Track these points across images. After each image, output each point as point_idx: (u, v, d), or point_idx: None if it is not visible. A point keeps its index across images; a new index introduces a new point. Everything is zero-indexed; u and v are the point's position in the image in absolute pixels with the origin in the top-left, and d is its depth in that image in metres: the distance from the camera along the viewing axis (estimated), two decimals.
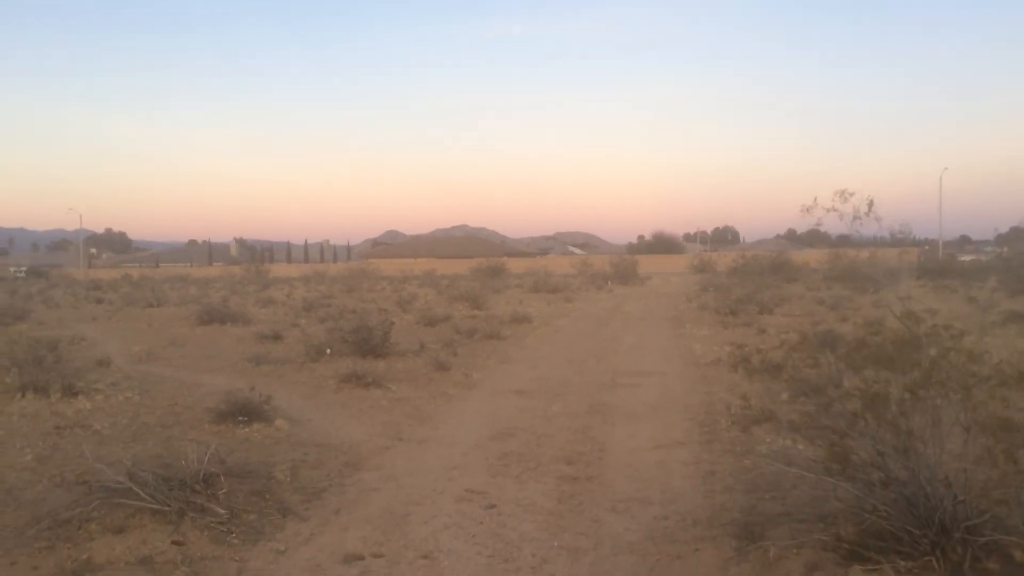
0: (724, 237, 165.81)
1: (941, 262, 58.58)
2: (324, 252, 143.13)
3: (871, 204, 7.44)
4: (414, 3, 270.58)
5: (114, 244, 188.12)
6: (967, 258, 75.17)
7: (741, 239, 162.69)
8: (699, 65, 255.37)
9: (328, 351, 14.43)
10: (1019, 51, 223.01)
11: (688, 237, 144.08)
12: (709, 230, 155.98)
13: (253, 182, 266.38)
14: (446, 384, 12.01)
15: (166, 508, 5.48)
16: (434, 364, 13.14)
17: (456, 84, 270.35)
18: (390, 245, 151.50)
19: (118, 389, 11.36)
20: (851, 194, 7.71)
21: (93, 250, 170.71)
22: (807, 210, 8.34)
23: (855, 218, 7.98)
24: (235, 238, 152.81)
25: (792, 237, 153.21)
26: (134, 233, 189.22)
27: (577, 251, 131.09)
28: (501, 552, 5.24)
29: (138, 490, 5.49)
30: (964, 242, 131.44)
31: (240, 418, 8.84)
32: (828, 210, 7.82)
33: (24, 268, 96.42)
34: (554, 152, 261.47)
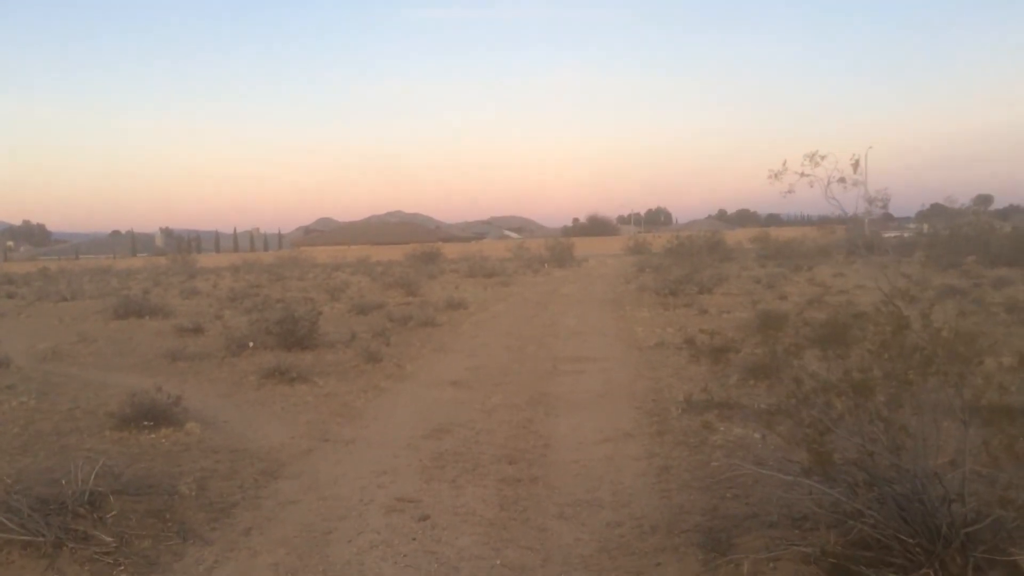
0: (657, 218, 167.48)
1: (868, 239, 59.78)
2: (254, 241, 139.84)
3: (857, 164, 6.60)
4: None
5: (32, 236, 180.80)
6: (891, 235, 76.98)
7: (674, 220, 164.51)
8: (629, 48, 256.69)
9: (251, 344, 13.51)
10: (940, 31, 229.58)
11: (622, 219, 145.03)
12: (642, 212, 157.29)
13: (180, 171, 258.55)
14: (377, 376, 11.25)
15: (40, 539, 4.66)
16: (365, 355, 12.36)
17: (389, 69, 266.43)
18: (323, 232, 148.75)
19: (13, 393, 10.29)
20: (822, 157, 6.93)
21: (10, 243, 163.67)
22: (776, 176, 7.56)
23: (831, 183, 7.10)
24: (161, 228, 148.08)
25: (723, 217, 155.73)
26: (54, 225, 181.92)
27: (513, 235, 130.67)
28: (436, 575, 4.58)
29: (3, 519, 4.65)
30: (887, 219, 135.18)
31: (145, 423, 7.96)
32: (801, 175, 7.05)
33: None
34: (488, 137, 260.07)
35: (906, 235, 79.83)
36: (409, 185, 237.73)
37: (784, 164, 5.86)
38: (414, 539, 5.10)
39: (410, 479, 6.39)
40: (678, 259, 40.39)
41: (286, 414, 9.04)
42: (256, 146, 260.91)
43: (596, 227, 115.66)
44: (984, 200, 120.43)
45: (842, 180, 5.69)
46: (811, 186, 5.73)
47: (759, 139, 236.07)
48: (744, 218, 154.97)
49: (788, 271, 32.36)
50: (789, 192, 5.91)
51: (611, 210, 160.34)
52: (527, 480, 6.29)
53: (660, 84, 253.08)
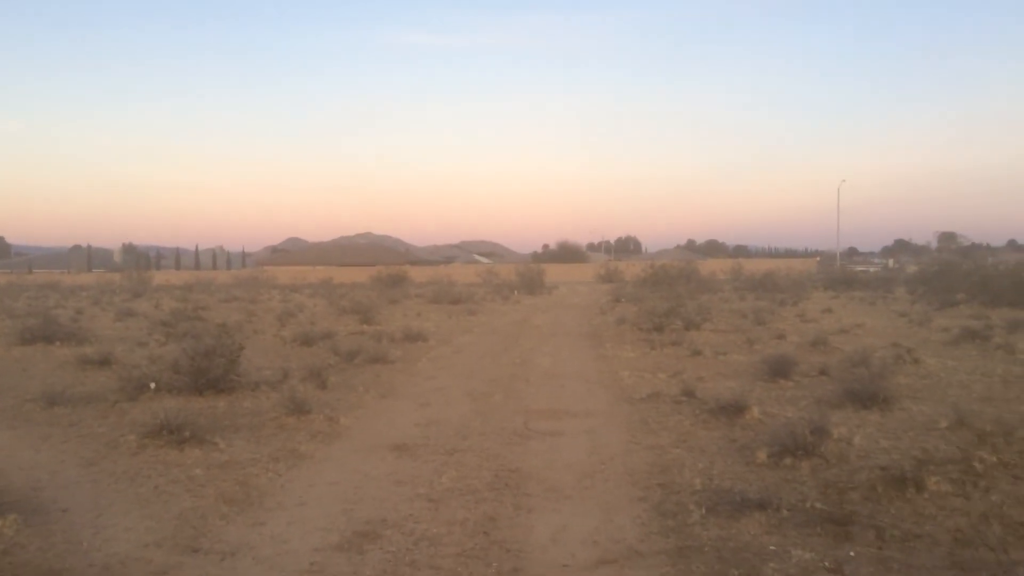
0: (627, 247, 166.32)
1: (844, 273, 58.43)
2: (217, 259, 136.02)
3: None
4: (317, 8, 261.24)
5: None
6: (858, 268, 76.09)
7: (644, 249, 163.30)
8: (602, 78, 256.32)
9: (152, 385, 11.00)
10: (907, 72, 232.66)
11: (592, 247, 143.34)
12: (612, 240, 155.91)
13: (148, 186, 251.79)
14: (300, 435, 8.81)
15: None
16: (291, 404, 9.87)
17: (362, 91, 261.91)
18: (289, 252, 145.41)
19: None
20: None
21: None
22: None
23: None
24: (124, 243, 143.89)
25: (692, 247, 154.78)
26: (15, 238, 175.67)
27: (483, 260, 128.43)
28: None
29: None
30: (852, 253, 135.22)
31: None
32: None
33: None
34: (460, 161, 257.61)
35: (872, 269, 78.94)
36: (380, 207, 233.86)
37: None
38: None
39: None
40: (654, 289, 38.36)
41: (159, 497, 6.56)
42: (227, 163, 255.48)
43: (566, 254, 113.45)
44: (949, 238, 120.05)
45: None
46: None
47: (727, 171, 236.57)
48: (713, 249, 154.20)
49: (773, 305, 30.29)
50: None
51: (580, 237, 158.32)
52: None
53: (630, 114, 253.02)
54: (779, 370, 12.34)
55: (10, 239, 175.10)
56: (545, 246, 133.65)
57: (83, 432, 8.98)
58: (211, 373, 10.99)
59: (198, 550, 5.35)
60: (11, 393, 11.63)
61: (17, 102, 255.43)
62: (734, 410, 9.35)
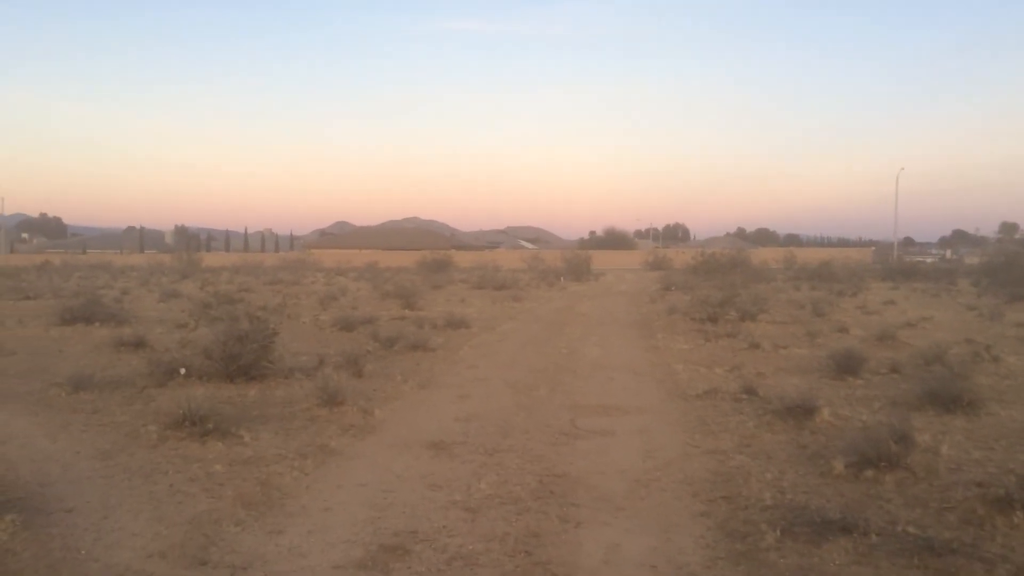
0: (675, 234, 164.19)
1: (905, 264, 56.45)
2: (265, 241, 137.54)
3: None
4: None
5: (48, 229, 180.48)
6: (916, 259, 73.57)
7: (692, 236, 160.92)
8: (651, 63, 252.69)
9: (182, 371, 10.54)
10: (970, 59, 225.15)
11: (639, 234, 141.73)
12: (660, 227, 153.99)
13: (201, 169, 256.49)
14: (332, 428, 8.23)
15: None
16: (324, 393, 9.31)
17: (411, 78, 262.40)
18: (337, 235, 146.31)
19: None
20: None
21: (24, 235, 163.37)
22: None
23: None
24: (176, 225, 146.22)
25: (742, 236, 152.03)
26: (72, 219, 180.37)
27: (528, 246, 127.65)
28: None
29: None
30: (909, 243, 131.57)
31: None
32: None
33: None
34: (507, 147, 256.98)
35: (928, 260, 76.23)
36: (428, 192, 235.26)
37: None
38: None
39: None
40: (705, 277, 37.25)
41: (172, 497, 6.01)
42: (278, 148, 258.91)
43: (613, 240, 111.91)
44: (1010, 228, 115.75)
45: None
46: None
47: (778, 158, 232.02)
48: (764, 237, 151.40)
49: (831, 295, 29.08)
50: None
51: (628, 224, 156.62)
52: None
53: (682, 99, 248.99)
54: (846, 366, 11.46)
55: (67, 220, 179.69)
56: (592, 232, 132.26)
57: (104, 420, 8.51)
58: (243, 359, 10.49)
59: (206, 562, 4.77)
60: (40, 376, 11.28)
61: (76, 87, 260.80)
62: (802, 411, 8.53)
